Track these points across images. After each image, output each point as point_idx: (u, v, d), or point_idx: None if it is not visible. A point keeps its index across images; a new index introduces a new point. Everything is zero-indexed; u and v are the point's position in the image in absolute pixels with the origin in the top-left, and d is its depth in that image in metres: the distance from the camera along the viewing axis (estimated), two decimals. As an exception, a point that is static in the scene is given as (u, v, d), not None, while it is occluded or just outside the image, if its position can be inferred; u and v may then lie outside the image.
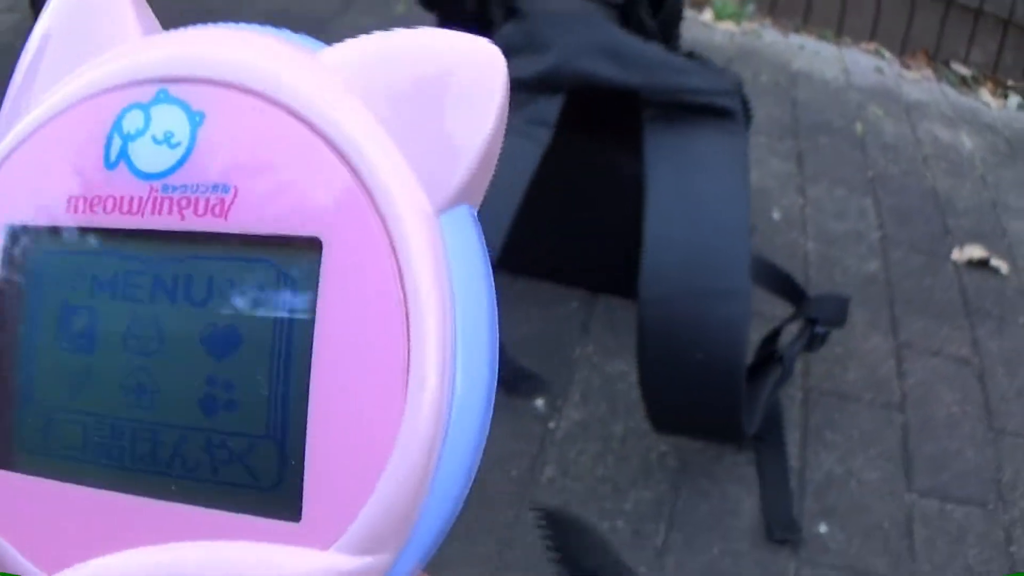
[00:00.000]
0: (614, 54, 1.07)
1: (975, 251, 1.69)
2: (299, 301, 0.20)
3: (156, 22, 0.24)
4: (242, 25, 0.23)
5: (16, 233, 0.23)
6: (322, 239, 0.20)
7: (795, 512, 1.16)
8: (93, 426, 0.22)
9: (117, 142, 0.22)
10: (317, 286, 0.20)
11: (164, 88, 0.22)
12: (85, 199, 0.22)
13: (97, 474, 0.21)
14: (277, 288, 0.20)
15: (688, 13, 2.37)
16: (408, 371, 0.19)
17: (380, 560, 0.20)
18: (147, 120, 0.22)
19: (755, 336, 1.28)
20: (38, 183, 0.23)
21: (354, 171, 0.20)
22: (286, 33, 0.23)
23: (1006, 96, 2.39)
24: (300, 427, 0.20)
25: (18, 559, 0.22)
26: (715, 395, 1.03)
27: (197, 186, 0.21)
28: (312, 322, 0.20)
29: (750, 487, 1.19)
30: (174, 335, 0.21)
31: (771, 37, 2.38)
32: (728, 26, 2.35)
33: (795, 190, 1.79)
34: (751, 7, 2.44)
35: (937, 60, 2.45)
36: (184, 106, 0.21)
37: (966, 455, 1.31)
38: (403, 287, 0.20)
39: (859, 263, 1.63)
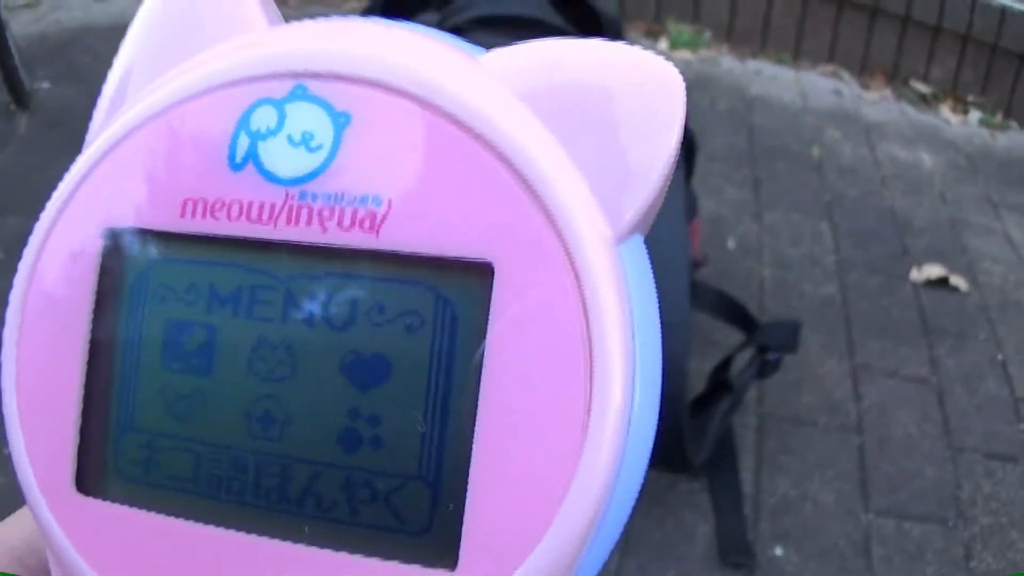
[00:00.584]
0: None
1: (934, 270, 1.69)
2: (463, 331, 0.18)
3: (279, 14, 0.22)
4: (383, 20, 0.21)
5: (116, 237, 0.20)
6: (494, 263, 0.18)
7: (749, 536, 1.17)
8: (206, 456, 0.19)
9: (244, 140, 0.19)
10: (486, 315, 0.18)
11: (301, 83, 0.19)
12: (203, 202, 0.20)
13: (210, 509, 0.19)
14: (436, 315, 0.18)
15: (643, 43, 2.40)
16: (588, 415, 0.18)
17: None
18: (281, 118, 0.19)
19: (707, 365, 1.30)
20: (145, 182, 0.20)
21: (531, 190, 0.18)
22: (436, 32, 0.21)
23: (967, 112, 2.41)
24: (459, 468, 0.18)
25: None
26: (658, 426, 1.05)
27: (343, 195, 0.19)
28: (479, 356, 0.18)
29: (705, 514, 1.20)
30: (310, 361, 0.19)
31: (728, 64, 2.40)
32: (684, 54, 2.37)
33: (751, 217, 1.80)
34: (707, 35, 2.47)
35: (897, 79, 2.48)
36: (325, 105, 0.19)
37: (925, 474, 1.31)
38: (587, 323, 0.18)
39: (815, 287, 1.64)
